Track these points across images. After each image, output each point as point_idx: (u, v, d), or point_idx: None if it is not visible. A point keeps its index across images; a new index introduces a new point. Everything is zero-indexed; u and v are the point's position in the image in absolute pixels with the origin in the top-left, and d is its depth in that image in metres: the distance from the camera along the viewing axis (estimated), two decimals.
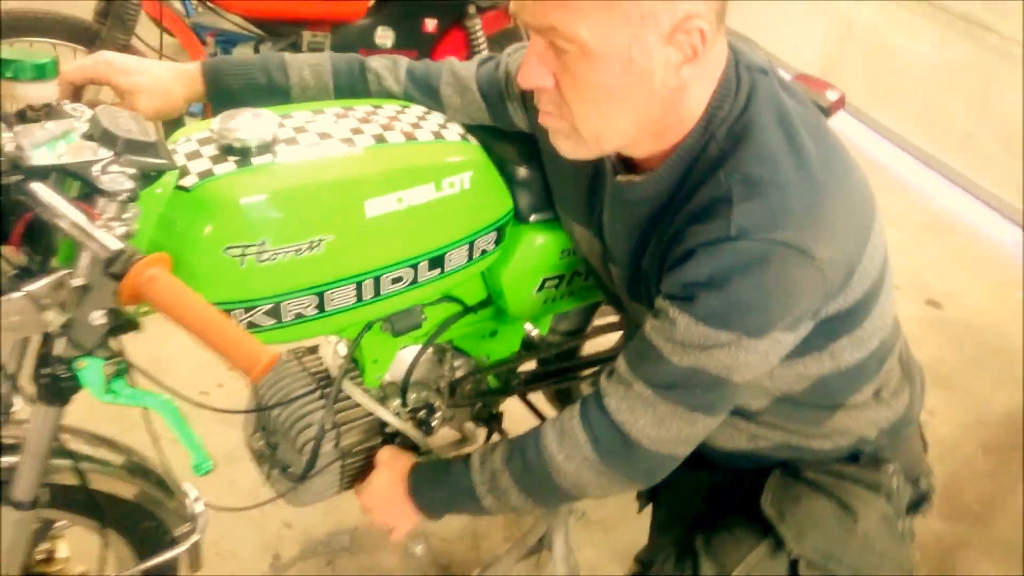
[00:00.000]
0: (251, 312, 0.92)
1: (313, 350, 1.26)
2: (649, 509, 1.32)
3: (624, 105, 0.83)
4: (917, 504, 1.12)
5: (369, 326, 1.10)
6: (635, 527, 1.69)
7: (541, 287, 1.19)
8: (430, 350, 1.26)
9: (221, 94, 1.03)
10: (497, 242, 1.10)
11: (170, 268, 0.76)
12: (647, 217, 0.92)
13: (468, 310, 1.22)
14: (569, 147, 0.89)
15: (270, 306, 0.92)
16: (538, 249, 1.15)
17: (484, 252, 1.09)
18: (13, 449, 0.95)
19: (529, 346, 1.42)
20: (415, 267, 1.01)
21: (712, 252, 0.81)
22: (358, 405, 1.19)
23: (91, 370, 0.77)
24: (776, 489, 1.05)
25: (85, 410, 0.91)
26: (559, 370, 1.47)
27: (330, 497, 1.24)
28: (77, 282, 0.76)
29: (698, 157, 0.87)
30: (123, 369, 0.79)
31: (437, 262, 1.03)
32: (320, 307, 0.96)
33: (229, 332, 0.74)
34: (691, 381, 0.87)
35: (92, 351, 0.76)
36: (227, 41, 2.36)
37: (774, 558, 1.00)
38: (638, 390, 0.90)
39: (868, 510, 1.02)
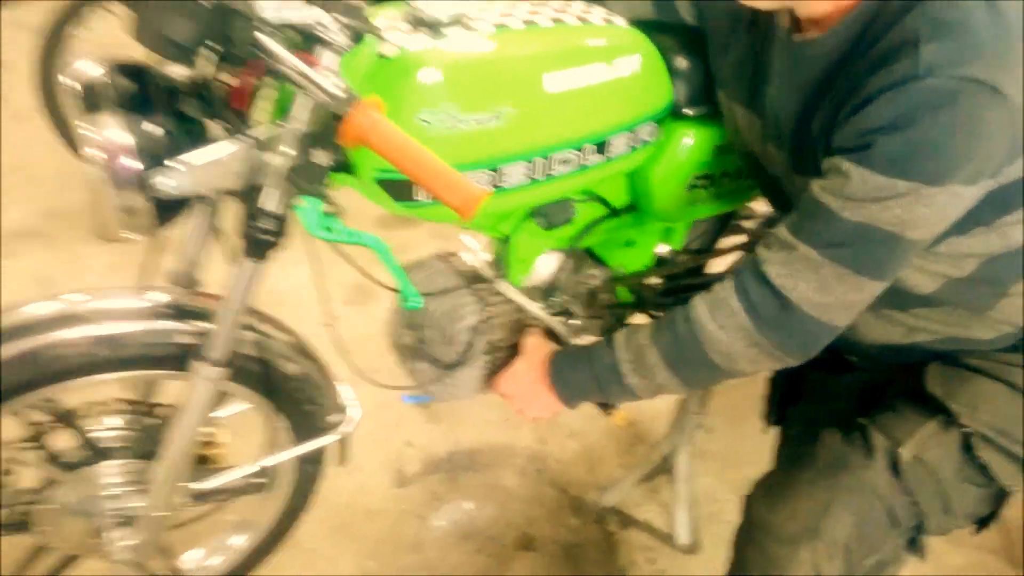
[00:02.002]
0: None
1: (454, 255, 1.30)
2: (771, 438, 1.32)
3: None
4: None
5: (526, 218, 1.12)
6: (753, 459, 1.69)
7: (691, 186, 1.20)
8: (570, 256, 1.29)
9: None
10: (654, 135, 1.12)
11: (384, 114, 0.80)
12: (821, 75, 0.91)
13: (613, 213, 1.24)
14: None
15: None
16: (692, 144, 1.16)
17: (644, 142, 1.10)
18: (207, 316, 1.01)
19: (660, 263, 1.44)
20: (582, 149, 1.03)
21: (896, 93, 0.80)
22: (505, 302, 1.22)
23: (310, 209, 0.81)
24: (939, 374, 1.05)
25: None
26: (687, 287, 1.48)
27: (473, 394, 1.27)
28: (298, 127, 0.81)
29: (880, 10, 0.86)
30: (337, 212, 0.83)
31: (600, 147, 1.05)
32: (495, 183, 0.99)
33: (444, 172, 0.77)
34: (862, 238, 0.85)
35: (313, 192, 0.79)
36: None
37: (946, 432, 0.99)
38: (803, 252, 0.89)
39: None
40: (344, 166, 0.81)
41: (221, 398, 1.12)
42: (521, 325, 1.25)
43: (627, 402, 1.18)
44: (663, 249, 1.45)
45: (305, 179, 0.78)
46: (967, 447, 0.98)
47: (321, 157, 0.78)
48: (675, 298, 1.47)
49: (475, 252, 1.26)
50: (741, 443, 1.75)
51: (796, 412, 1.34)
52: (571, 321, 1.33)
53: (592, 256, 1.34)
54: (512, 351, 1.25)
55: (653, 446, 1.60)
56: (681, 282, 1.46)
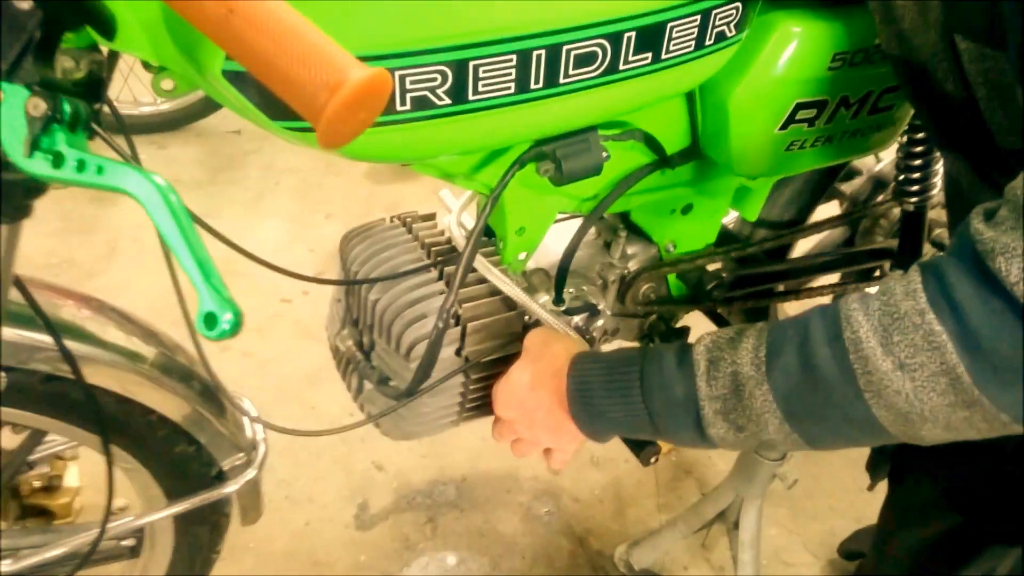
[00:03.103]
0: None
1: (428, 217, 0.88)
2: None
3: None
4: None
5: (522, 162, 0.69)
6: (834, 504, 1.27)
7: (790, 119, 0.75)
8: (596, 225, 0.87)
9: None
10: (739, 27, 0.67)
11: None
12: None
13: (664, 161, 0.81)
14: None
15: None
16: (797, 49, 0.71)
17: (721, 38, 0.66)
18: None
19: (729, 239, 1.01)
20: (615, 40, 0.60)
21: None
22: (493, 295, 0.79)
23: (8, 104, 0.38)
24: None
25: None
26: (767, 275, 1.05)
27: (443, 429, 0.86)
28: None
29: None
30: (78, 113, 0.40)
31: (651, 38, 0.61)
32: (456, 93, 0.56)
33: (291, 25, 0.35)
34: None
35: (11, 71, 0.37)
36: None
37: None
38: None
39: None
40: (82, 14, 0.39)
41: (32, 440, 0.73)
42: (519, 329, 0.83)
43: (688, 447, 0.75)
44: (733, 219, 1.02)
45: None
46: None
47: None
48: (751, 292, 1.04)
49: (456, 214, 0.84)
50: (817, 482, 1.31)
51: (925, 471, 0.90)
52: (595, 323, 0.90)
53: (630, 227, 0.91)
54: (502, 367, 0.83)
55: (706, 495, 1.16)
56: (759, 269, 1.03)
